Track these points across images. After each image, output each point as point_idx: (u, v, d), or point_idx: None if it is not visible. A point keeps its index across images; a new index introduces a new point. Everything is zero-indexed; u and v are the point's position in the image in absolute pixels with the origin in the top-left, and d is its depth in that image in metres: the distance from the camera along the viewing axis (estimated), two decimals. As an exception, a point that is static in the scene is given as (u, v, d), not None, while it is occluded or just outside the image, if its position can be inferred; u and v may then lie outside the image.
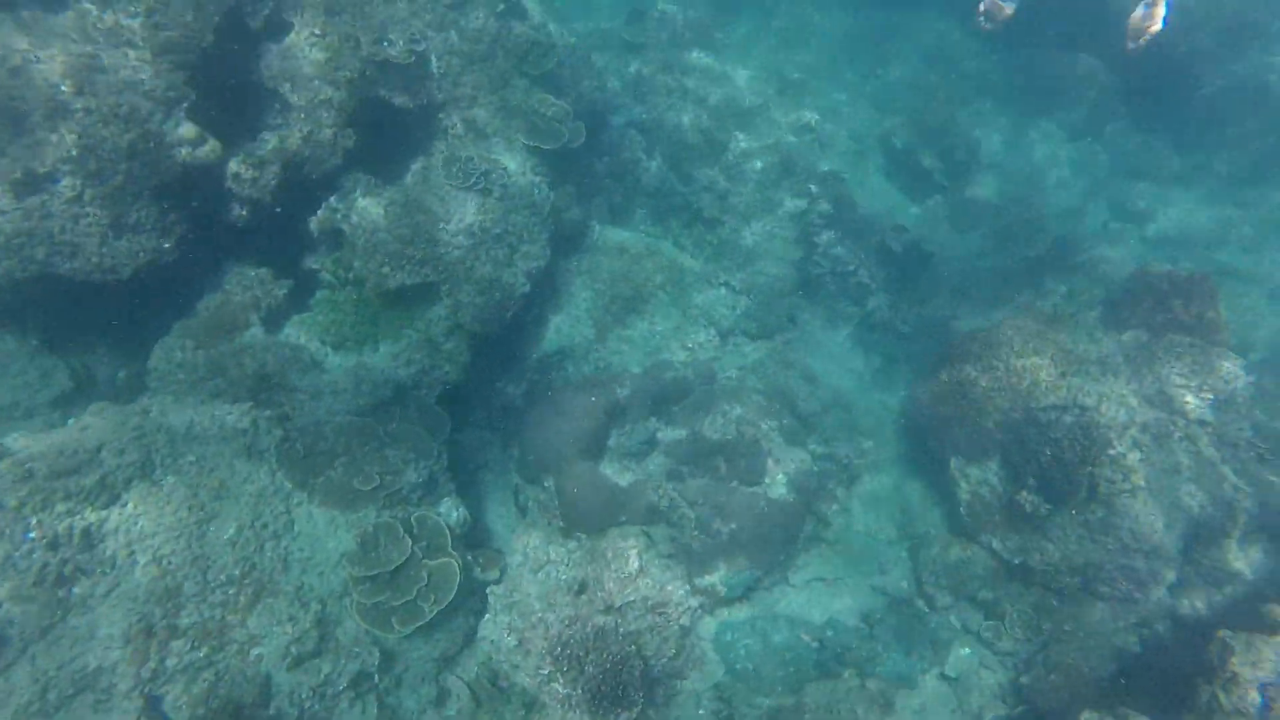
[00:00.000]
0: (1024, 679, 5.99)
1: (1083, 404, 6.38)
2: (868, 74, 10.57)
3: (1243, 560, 6.06)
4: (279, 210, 7.17)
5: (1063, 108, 10.58)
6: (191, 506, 5.54)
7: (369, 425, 6.68)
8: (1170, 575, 6.20)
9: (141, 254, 6.42)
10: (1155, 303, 6.84)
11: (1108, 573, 6.23)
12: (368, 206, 7.14)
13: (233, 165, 6.73)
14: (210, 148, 6.48)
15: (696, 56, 9.63)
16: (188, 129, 6.29)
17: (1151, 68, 10.34)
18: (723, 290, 8.30)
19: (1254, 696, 4.40)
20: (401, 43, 7.17)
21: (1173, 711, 4.66)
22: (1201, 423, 6.14)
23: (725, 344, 8.10)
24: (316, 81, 6.96)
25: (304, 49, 6.96)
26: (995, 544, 6.70)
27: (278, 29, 7.04)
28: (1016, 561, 6.57)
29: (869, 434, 7.84)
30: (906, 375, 8.33)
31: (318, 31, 6.97)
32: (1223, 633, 4.79)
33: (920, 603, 6.69)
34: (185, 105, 6.28)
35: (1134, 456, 6.10)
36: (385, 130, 7.61)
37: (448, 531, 6.23)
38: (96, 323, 7.07)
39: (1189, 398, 6.15)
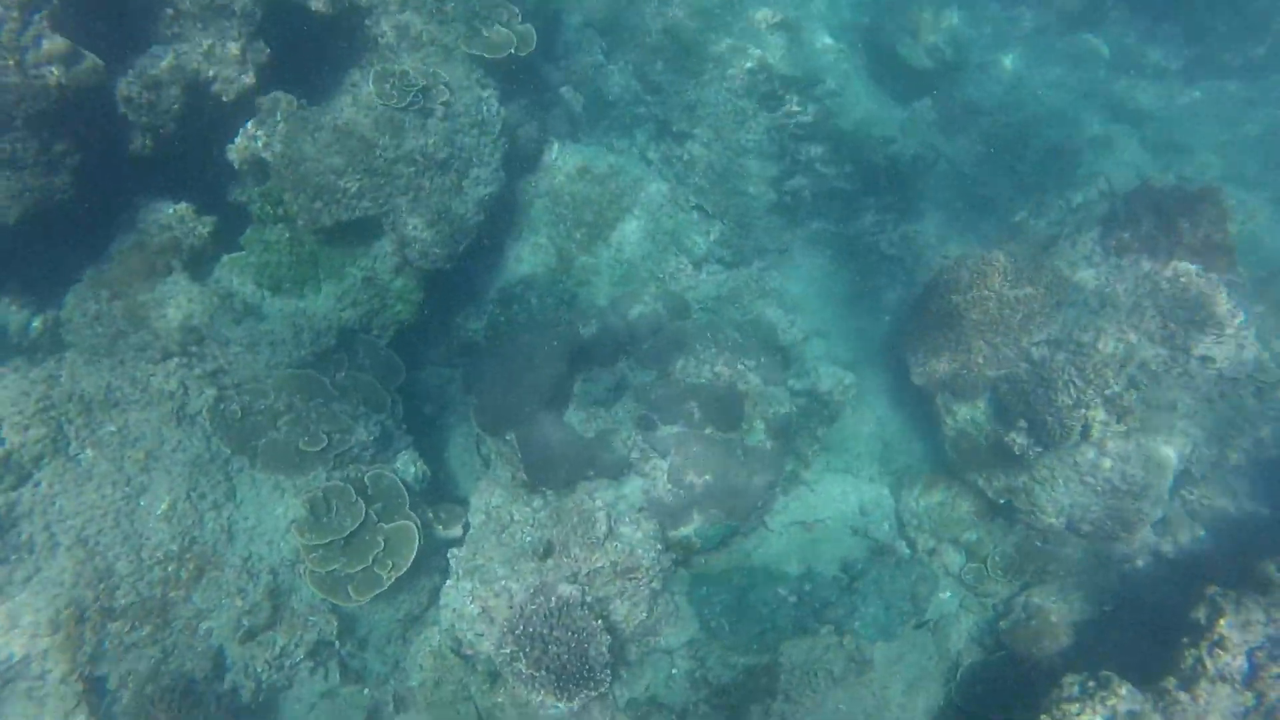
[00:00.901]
0: (1003, 623, 5.88)
1: (1079, 339, 5.98)
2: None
3: (1229, 499, 5.87)
4: (189, 138, 6.35)
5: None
6: (116, 482, 5.08)
7: (313, 378, 6.16)
8: (1156, 513, 6.01)
9: (27, 193, 5.64)
10: (1159, 223, 6.31)
11: (1094, 514, 6.03)
12: (291, 132, 6.32)
13: (122, 88, 5.84)
14: (89, 65, 5.55)
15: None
16: (55, 43, 5.35)
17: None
18: (694, 214, 7.64)
19: (1241, 662, 4.24)
20: (314, -68, 6.14)
21: (1155, 670, 4.51)
22: (1204, 358, 5.78)
23: (699, 272, 7.53)
24: (216, -17, 5.97)
25: (196, -57, 5.92)
26: (980, 483, 6.46)
27: (161, -84, 5.97)
28: (1002, 502, 6.34)
29: (851, 365, 7.44)
30: (891, 300, 7.87)
31: (211, -81, 5.92)
32: (1212, 589, 4.59)
33: (902, 545, 6.50)
34: (45, 12, 5.31)
35: (1131, 396, 5.76)
36: (304, 42, 6.67)
37: (405, 490, 5.85)
38: (-2, 270, 6.36)
39: (1192, 332, 5.76)
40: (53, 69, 5.27)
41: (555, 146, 8.07)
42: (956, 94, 8.81)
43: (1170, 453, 5.95)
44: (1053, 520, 6.26)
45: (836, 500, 6.73)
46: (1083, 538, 6.28)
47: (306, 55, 6.88)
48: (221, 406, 5.67)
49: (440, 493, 6.65)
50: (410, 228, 6.59)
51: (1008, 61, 9.17)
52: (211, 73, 6.15)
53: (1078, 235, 6.73)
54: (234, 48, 6.15)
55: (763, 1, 8.27)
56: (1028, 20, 9.78)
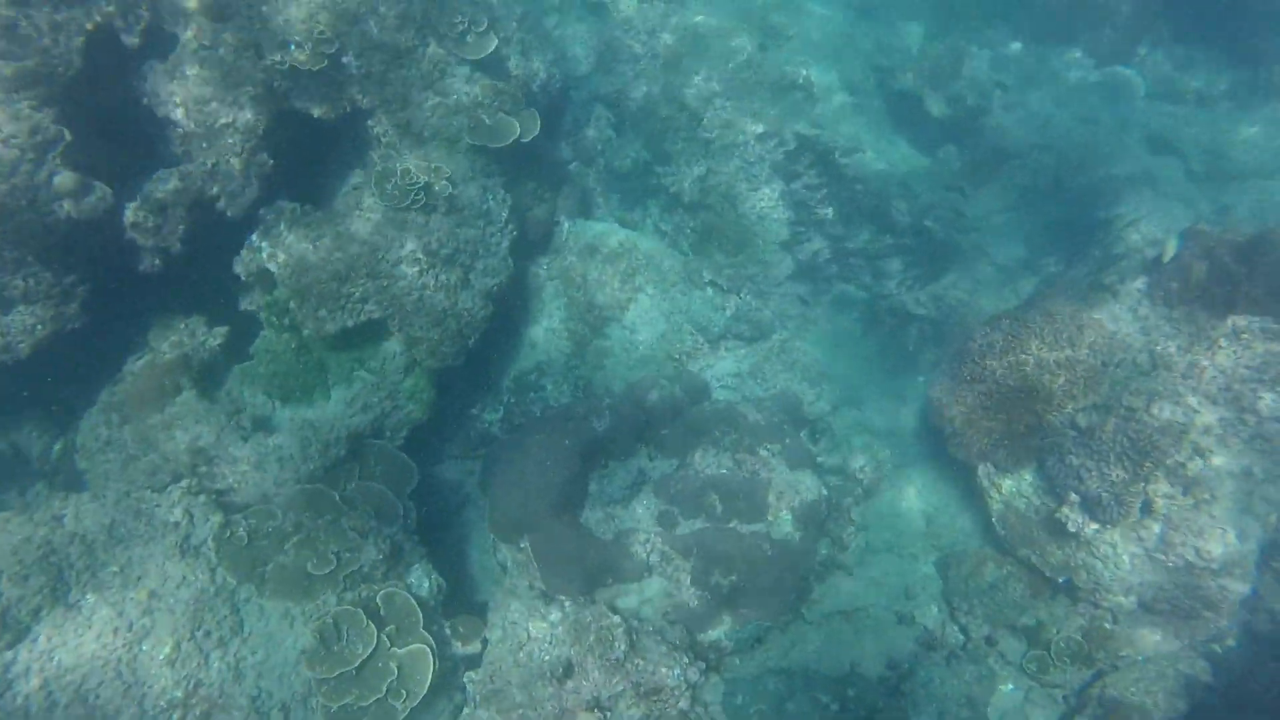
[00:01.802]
0: (1078, 722, 5.32)
1: (1129, 404, 5.48)
2: (864, 11, 9.28)
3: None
4: (198, 253, 6.36)
5: (1090, 28, 9.24)
6: (117, 629, 4.91)
7: (322, 493, 5.98)
8: (1244, 589, 5.40)
9: (39, 327, 5.67)
10: (1212, 271, 5.82)
11: (1169, 592, 5.45)
12: (294, 241, 6.28)
13: (129, 213, 5.88)
14: (98, 196, 5.61)
15: (667, 12, 8.44)
16: (66, 178, 5.42)
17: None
18: (709, 290, 7.37)
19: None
20: (309, 45, 6.16)
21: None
22: (1278, 419, 5.23)
23: (716, 349, 7.23)
24: (215, 103, 6.02)
25: (193, 65, 5.99)
26: (1035, 559, 5.93)
27: (160, 43, 6.07)
28: (1061, 580, 5.80)
29: (885, 434, 7.01)
30: (926, 361, 7.43)
31: (206, 43, 5.98)
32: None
33: (954, 630, 5.99)
34: (59, 149, 5.40)
35: (1195, 466, 5.23)
36: (307, 148, 6.68)
37: (418, 609, 5.58)
38: (15, 401, 6.39)
39: (1261, 392, 5.22)
40: (64, 203, 5.32)
41: (565, 226, 7.93)
42: (982, 139, 8.43)
43: (1251, 522, 5.37)
44: (1121, 599, 5.69)
45: (878, 584, 6.26)
46: (1159, 616, 5.69)
47: (311, 160, 6.90)
48: (228, 533, 5.52)
49: (460, 600, 6.36)
50: (417, 327, 6.46)
51: (1035, 103, 8.76)
52: (215, 190, 6.16)
53: (1121, 285, 6.25)
54: (237, 163, 6.15)
55: (776, 58, 8.08)
56: (1054, 59, 9.38)
